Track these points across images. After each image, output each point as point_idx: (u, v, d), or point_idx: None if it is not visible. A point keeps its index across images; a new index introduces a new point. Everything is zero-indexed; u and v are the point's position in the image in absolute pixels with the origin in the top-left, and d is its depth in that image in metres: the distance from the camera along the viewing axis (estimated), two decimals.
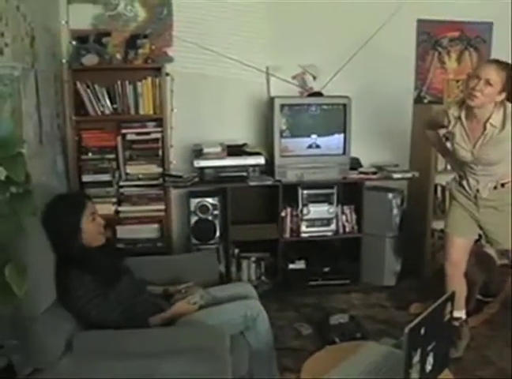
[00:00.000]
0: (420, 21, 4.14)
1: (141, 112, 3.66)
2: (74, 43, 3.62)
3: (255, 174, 3.75)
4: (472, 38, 4.25)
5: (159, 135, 3.69)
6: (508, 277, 3.65)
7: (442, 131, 3.05)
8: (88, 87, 3.55)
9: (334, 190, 3.89)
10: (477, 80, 2.59)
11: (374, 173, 3.92)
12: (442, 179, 4.00)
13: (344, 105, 3.74)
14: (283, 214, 3.83)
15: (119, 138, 3.68)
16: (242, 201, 3.81)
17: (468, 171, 2.88)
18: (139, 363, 2.01)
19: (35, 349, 1.96)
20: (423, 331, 1.75)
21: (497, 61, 2.65)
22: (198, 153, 3.73)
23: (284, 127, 3.71)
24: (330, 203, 3.89)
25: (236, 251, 3.91)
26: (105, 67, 3.59)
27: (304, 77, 4.02)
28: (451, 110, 2.80)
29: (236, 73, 3.90)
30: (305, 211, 3.85)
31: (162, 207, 3.73)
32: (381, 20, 3.85)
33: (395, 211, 3.95)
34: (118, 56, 3.67)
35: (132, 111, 3.65)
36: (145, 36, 3.70)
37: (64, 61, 3.64)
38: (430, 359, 1.83)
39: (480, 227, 2.96)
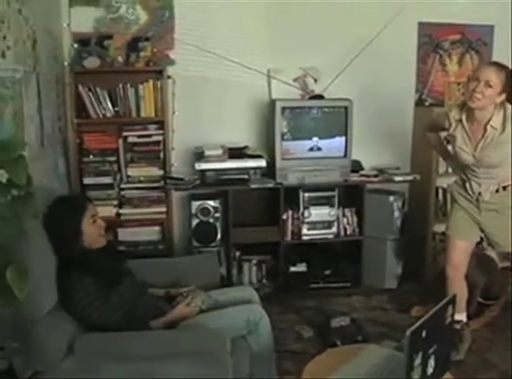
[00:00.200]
0: (421, 24, 4.14)
1: (143, 115, 3.67)
2: (76, 45, 3.63)
3: (256, 177, 3.75)
4: (474, 41, 4.25)
5: (160, 137, 3.69)
6: (509, 280, 3.65)
7: (444, 134, 3.05)
8: (89, 89, 3.56)
9: (335, 193, 3.89)
10: (477, 82, 2.61)
11: (376, 176, 3.92)
12: (443, 182, 4.01)
13: (346, 108, 3.74)
14: (284, 217, 3.82)
15: (121, 141, 3.69)
16: (244, 204, 3.80)
17: (470, 174, 2.88)
18: (140, 366, 2.01)
19: (36, 351, 1.96)
20: (424, 334, 1.75)
21: (496, 64, 2.69)
22: (199, 156, 3.73)
23: (285, 130, 3.71)
24: (331, 205, 3.88)
25: (237, 254, 3.91)
26: (107, 70, 3.60)
27: (305, 80, 4.02)
28: (452, 113, 2.81)
29: (237, 76, 3.91)
30: (306, 213, 3.85)
31: (163, 209, 3.74)
32: (382, 23, 3.84)
33: (396, 213, 3.95)
34: (120, 59, 3.68)
35: (133, 114, 3.66)
36: (147, 39, 3.71)
37: (66, 63, 3.65)
38: (431, 362, 1.83)
39: (482, 230, 2.96)
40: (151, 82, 3.64)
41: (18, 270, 1.56)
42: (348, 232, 3.97)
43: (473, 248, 3.05)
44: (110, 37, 3.66)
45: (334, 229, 3.92)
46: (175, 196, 3.86)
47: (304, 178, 3.77)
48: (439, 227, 4.01)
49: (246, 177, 3.73)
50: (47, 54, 3.18)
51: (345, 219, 3.96)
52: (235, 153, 3.78)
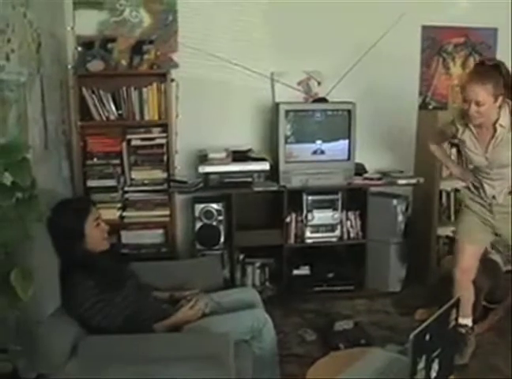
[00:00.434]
0: (425, 27, 4.14)
1: (146, 118, 3.67)
2: (80, 48, 3.64)
3: (260, 180, 3.75)
4: (477, 44, 4.24)
5: (164, 140, 3.70)
6: None
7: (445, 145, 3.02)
8: (93, 92, 3.57)
9: (339, 196, 3.88)
10: (468, 104, 2.57)
11: (379, 179, 3.92)
12: (447, 185, 4.00)
13: (349, 111, 3.74)
14: (287, 220, 3.82)
15: (124, 144, 3.69)
16: (247, 207, 3.80)
17: (483, 178, 2.86)
18: (144, 368, 2.00)
19: (40, 353, 1.97)
20: (428, 337, 1.75)
21: (478, 76, 2.55)
22: (203, 159, 3.73)
23: (288, 133, 3.72)
24: (335, 209, 3.88)
25: (241, 257, 3.91)
26: (110, 73, 3.61)
27: (309, 83, 4.03)
28: (457, 118, 2.80)
29: (241, 79, 3.91)
30: (309, 217, 3.85)
31: (167, 212, 3.74)
32: (386, 26, 3.84)
33: (400, 217, 3.94)
34: (124, 62, 3.69)
35: (137, 117, 3.67)
36: (151, 42, 3.72)
37: (69, 66, 3.66)
38: (435, 366, 1.83)
39: (496, 234, 2.95)
40: (155, 85, 3.65)
41: (22, 272, 1.57)
42: (352, 235, 3.96)
43: (482, 252, 3.04)
44: (114, 40, 3.67)
45: (338, 232, 3.92)
46: (179, 199, 3.87)
47: (308, 181, 3.77)
48: (443, 231, 4.00)
49: (249, 180, 3.73)
50: (51, 57, 3.19)
51: (349, 222, 3.95)
52: (239, 156, 3.78)
